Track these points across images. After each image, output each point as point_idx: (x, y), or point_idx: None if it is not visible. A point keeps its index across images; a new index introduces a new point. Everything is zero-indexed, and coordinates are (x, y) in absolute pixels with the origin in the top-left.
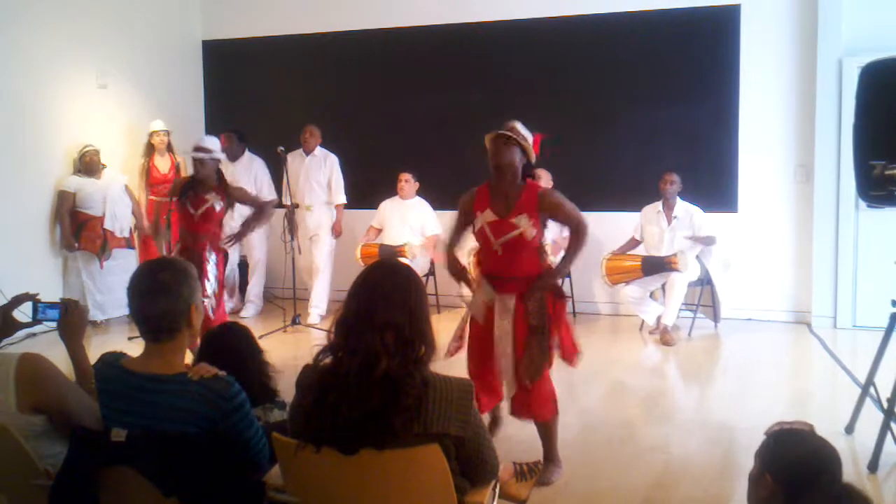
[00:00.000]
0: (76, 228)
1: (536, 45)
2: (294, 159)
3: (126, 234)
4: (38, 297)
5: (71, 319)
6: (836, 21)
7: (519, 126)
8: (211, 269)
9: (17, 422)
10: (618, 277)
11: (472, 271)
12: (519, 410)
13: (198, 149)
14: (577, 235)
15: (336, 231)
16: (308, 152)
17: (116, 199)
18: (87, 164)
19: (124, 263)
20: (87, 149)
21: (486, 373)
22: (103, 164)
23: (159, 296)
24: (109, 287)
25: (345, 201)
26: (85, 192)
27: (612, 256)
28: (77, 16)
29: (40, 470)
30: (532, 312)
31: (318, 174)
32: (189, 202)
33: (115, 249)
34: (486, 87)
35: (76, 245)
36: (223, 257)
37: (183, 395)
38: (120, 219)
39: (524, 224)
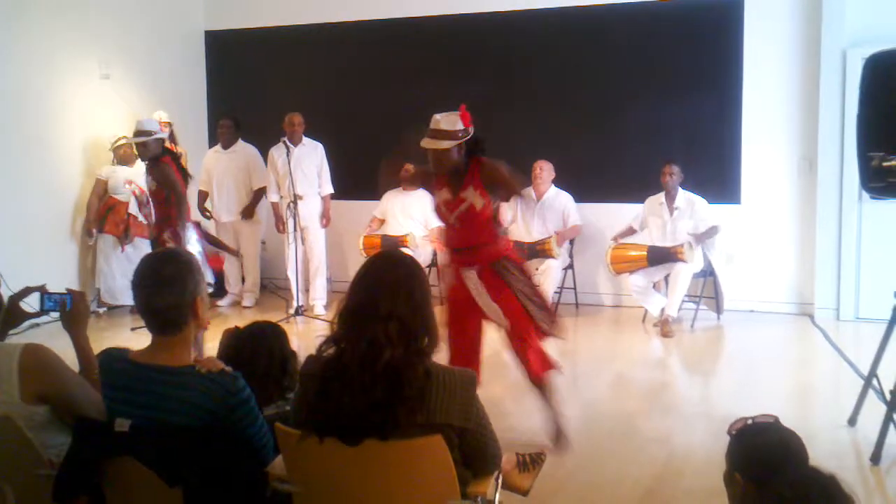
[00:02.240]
0: (104, 212)
1: (538, 36)
2: (280, 150)
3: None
4: (45, 288)
5: (75, 310)
6: (840, 12)
7: (443, 123)
8: (193, 246)
9: (20, 412)
10: (622, 266)
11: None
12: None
13: (138, 133)
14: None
15: (325, 221)
16: (297, 142)
17: (143, 186)
18: (122, 157)
19: (145, 252)
20: (121, 141)
21: (463, 337)
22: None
23: (164, 289)
24: (125, 273)
25: (332, 191)
26: (116, 178)
27: (617, 245)
28: (80, 6)
29: (44, 460)
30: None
31: (310, 164)
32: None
33: (138, 238)
34: (489, 78)
35: (94, 231)
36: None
37: (189, 387)
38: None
39: (470, 195)
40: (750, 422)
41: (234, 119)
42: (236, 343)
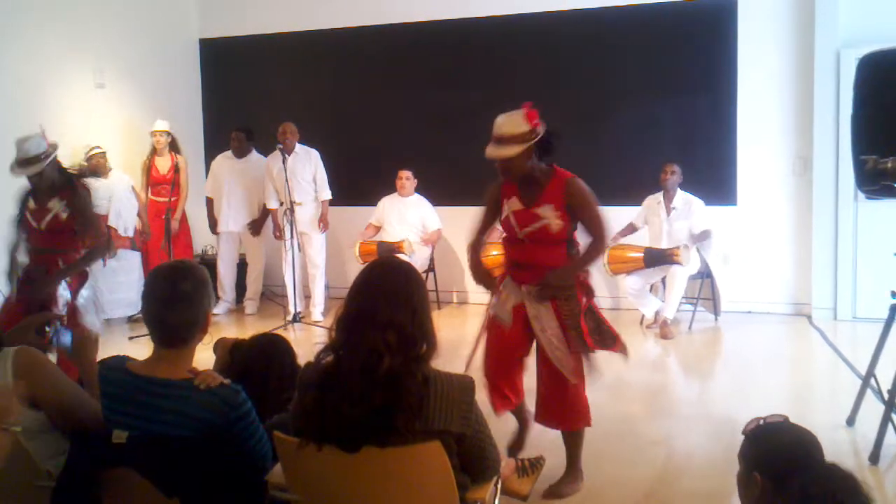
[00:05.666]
0: None
1: (535, 40)
2: (276, 158)
3: (130, 234)
4: (63, 318)
5: (80, 347)
6: (834, 12)
7: (505, 126)
8: (61, 292)
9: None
10: (619, 267)
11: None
12: (546, 417)
13: (23, 163)
14: (594, 243)
15: (323, 226)
16: (290, 151)
17: (121, 197)
18: (94, 168)
19: (127, 265)
20: (94, 151)
21: (503, 376)
22: (109, 167)
23: (180, 306)
24: (111, 288)
25: (330, 196)
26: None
27: (614, 246)
28: (74, 15)
29: (42, 471)
30: (566, 314)
31: (304, 171)
32: (31, 215)
33: (120, 250)
34: (485, 82)
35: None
36: (77, 279)
37: (189, 400)
38: (124, 217)
39: (548, 215)
40: (762, 422)
41: (245, 131)
42: (247, 356)
